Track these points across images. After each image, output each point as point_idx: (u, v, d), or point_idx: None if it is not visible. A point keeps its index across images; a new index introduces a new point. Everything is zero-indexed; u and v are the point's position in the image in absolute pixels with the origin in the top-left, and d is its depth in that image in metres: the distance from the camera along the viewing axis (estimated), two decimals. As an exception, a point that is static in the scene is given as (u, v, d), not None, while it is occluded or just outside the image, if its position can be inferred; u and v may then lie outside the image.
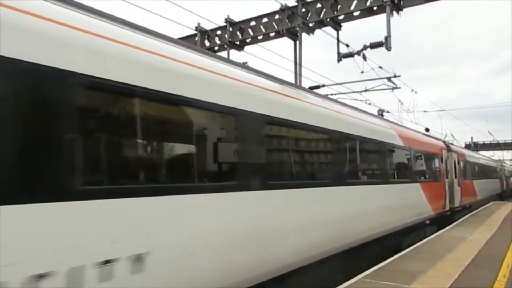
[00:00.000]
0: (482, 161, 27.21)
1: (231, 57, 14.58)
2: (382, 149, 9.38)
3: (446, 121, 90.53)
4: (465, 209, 18.50)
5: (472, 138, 50.81)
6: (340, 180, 7.20)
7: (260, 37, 14.61)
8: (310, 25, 13.35)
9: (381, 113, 18.50)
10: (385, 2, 11.50)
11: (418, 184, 11.81)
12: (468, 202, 19.11)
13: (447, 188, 14.89)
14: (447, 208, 14.97)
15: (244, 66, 6.30)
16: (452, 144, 19.96)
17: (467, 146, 43.64)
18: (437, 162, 14.28)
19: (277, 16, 14.03)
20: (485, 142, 51.46)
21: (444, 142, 17.48)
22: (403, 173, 10.81)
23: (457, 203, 16.18)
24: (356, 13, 12.53)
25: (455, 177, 16.40)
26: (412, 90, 19.07)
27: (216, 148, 4.68)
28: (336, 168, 7.30)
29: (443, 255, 8.41)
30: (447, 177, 15.23)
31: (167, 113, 4.29)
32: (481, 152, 41.15)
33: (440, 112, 31.49)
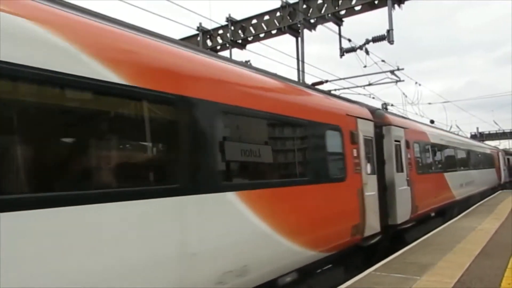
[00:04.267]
0: (463, 145, 19.48)
1: (233, 56, 14.64)
2: None
3: (451, 113, 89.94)
4: (428, 223, 12.22)
5: (477, 128, 50.57)
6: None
7: (262, 35, 14.64)
8: (312, 21, 13.36)
9: (385, 106, 18.48)
10: (386, -5, 11.49)
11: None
12: (435, 207, 12.84)
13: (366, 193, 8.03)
14: (371, 232, 8.04)
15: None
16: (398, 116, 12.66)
17: (473, 137, 43.39)
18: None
19: (278, 14, 14.05)
20: (491, 132, 51.19)
21: (367, 107, 9.79)
22: None
23: (402, 217, 9.69)
24: (358, 8, 12.53)
25: (400, 170, 10.02)
26: (416, 83, 19.01)
27: None
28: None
29: (452, 246, 8.44)
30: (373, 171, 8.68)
31: None
32: (487, 142, 40.52)
33: (445, 104, 31.10)
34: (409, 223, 10.30)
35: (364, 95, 16.22)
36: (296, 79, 12.60)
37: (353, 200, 7.41)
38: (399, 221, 9.49)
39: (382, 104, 18.37)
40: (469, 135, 40.21)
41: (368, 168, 8.24)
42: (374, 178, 8.45)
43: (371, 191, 8.07)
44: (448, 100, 29.77)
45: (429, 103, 25.33)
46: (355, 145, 7.66)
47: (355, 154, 7.61)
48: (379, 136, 9.34)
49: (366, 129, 8.32)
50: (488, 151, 26.87)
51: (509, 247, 8.01)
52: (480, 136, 48.51)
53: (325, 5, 12.92)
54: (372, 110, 9.72)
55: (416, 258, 7.58)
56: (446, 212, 14.33)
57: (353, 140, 7.64)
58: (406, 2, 11.89)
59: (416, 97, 23.64)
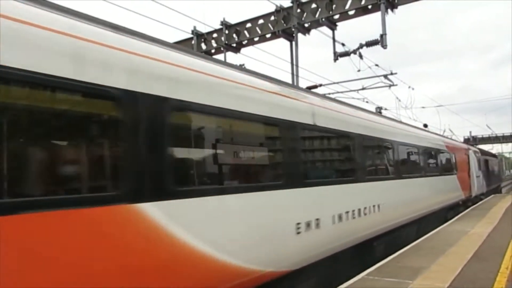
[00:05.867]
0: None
1: (227, 59, 14.65)
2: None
3: (444, 117, 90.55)
4: None
5: (470, 132, 51.02)
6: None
7: (256, 39, 14.67)
8: (306, 25, 13.42)
9: (379, 110, 18.57)
10: (380, 0, 11.56)
11: None
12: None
13: None
14: None
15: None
16: None
17: (466, 141, 43.68)
18: None
19: (272, 18, 14.09)
20: (484, 136, 51.64)
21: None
22: None
23: None
24: (351, 12, 12.60)
25: None
26: (409, 87, 19.15)
27: None
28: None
29: (445, 250, 8.46)
30: None
31: None
32: (480, 146, 40.46)
33: (438, 108, 31.17)
34: None
35: (358, 99, 16.31)
36: (290, 82, 12.61)
37: None
38: None
39: (376, 108, 18.48)
40: (462, 139, 40.41)
41: None
42: None
43: None
44: (441, 104, 29.97)
45: (423, 107, 25.56)
46: None
47: None
48: None
49: None
50: (442, 147, 15.73)
51: (501, 251, 8.04)
52: (473, 140, 48.88)
53: (319, 9, 12.99)
54: None
55: (409, 262, 7.58)
56: None
57: None
58: (399, 7, 11.99)
59: (410, 101, 23.75)
